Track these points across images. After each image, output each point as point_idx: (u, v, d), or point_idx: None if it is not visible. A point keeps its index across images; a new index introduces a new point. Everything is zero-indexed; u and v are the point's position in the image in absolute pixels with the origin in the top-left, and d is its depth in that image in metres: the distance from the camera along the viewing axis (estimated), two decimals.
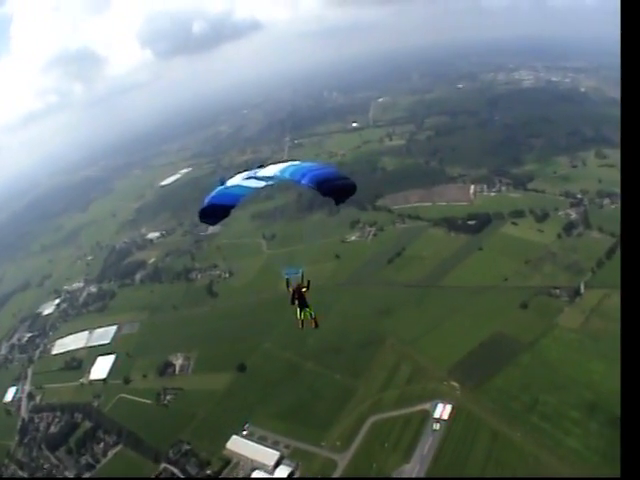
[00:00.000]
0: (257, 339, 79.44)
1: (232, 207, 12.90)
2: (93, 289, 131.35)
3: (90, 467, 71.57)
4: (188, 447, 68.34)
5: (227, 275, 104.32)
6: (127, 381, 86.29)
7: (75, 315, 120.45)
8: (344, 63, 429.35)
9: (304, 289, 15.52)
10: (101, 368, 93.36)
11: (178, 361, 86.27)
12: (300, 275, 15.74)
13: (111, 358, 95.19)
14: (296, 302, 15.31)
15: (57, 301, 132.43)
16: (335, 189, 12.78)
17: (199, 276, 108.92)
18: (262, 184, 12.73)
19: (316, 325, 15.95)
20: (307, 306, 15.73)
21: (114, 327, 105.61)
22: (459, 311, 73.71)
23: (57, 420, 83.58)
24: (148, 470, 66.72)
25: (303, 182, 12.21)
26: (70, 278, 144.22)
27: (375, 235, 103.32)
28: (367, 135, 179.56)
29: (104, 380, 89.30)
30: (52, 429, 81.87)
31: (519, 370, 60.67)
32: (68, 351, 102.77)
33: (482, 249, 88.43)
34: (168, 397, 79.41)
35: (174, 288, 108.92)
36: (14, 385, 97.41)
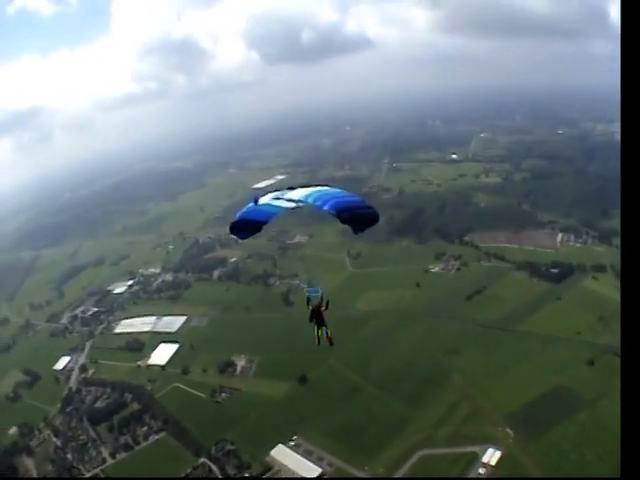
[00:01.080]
0: (324, 354, 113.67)
1: (264, 223, 23.01)
2: (169, 277, 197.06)
3: (128, 447, 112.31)
4: (232, 447, 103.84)
5: (305, 286, 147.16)
6: (186, 372, 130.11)
7: (146, 299, 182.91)
8: (449, 92, 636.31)
9: (323, 309, 27.37)
10: (162, 354, 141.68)
11: (241, 362, 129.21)
12: (320, 295, 27.60)
13: (174, 347, 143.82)
14: (314, 320, 27.43)
15: (130, 282, 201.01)
16: (354, 217, 21.93)
17: (278, 282, 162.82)
18: (292, 205, 22.29)
19: (331, 343, 28.26)
20: (325, 325, 27.74)
21: (183, 318, 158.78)
22: (527, 358, 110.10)
23: (105, 396, 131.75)
24: (186, 461, 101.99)
25: (325, 208, 20.94)
26: (147, 263, 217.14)
27: (458, 269, 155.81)
28: (464, 168, 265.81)
29: (162, 367, 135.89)
30: (98, 404, 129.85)
31: (575, 427, 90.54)
32: (132, 332, 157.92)
33: (560, 299, 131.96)
34: (223, 395, 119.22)
35: (250, 290, 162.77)
36: (68, 355, 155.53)
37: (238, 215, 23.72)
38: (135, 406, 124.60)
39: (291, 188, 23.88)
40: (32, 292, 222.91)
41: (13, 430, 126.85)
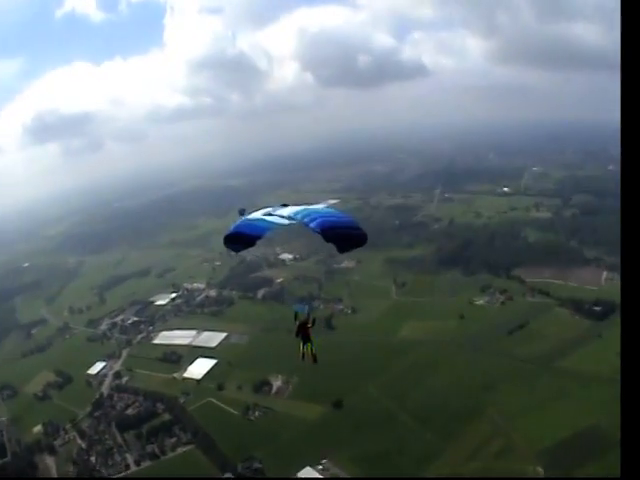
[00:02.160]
0: (362, 380, 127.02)
1: (258, 238, 25.56)
2: (213, 293, 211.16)
3: (154, 457, 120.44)
4: (259, 465, 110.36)
5: (349, 311, 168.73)
6: (221, 388, 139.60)
7: (188, 313, 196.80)
8: (503, 123, 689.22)
9: (309, 325, 30.33)
10: (199, 369, 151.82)
11: (277, 382, 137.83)
12: (306, 312, 30.92)
13: (212, 362, 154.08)
14: (300, 335, 30.49)
15: (173, 295, 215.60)
16: (338, 236, 24.03)
17: (321, 306, 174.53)
18: (286, 222, 24.55)
19: (314, 360, 30.89)
20: (310, 341, 30.74)
21: (223, 334, 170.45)
22: (564, 396, 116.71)
23: (137, 404, 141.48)
24: (211, 475, 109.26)
25: (311, 225, 23.04)
26: (193, 277, 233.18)
27: (503, 303, 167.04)
28: (515, 202, 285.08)
29: (198, 381, 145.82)
30: (129, 411, 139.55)
31: (602, 469, 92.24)
32: (170, 344, 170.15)
33: (601, 337, 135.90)
34: (257, 413, 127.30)
35: (292, 312, 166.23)
36: (104, 361, 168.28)
37: (232, 228, 26.62)
38: (166, 417, 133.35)
39: (284, 205, 26.55)
40: (73, 296, 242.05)
41: (38, 428, 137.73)
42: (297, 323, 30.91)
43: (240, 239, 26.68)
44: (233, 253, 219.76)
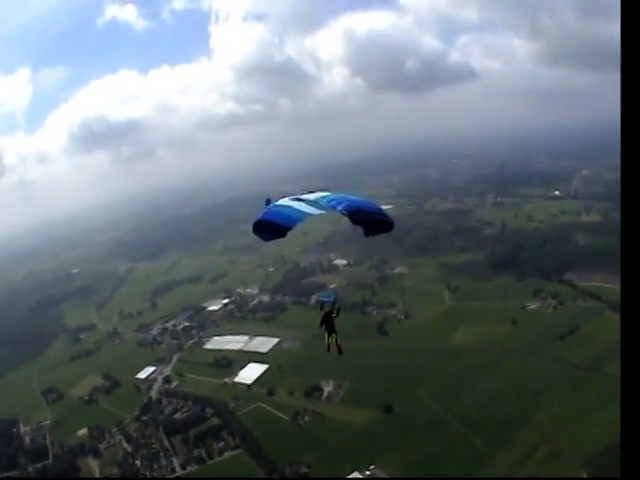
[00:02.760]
0: (413, 385, 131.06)
1: (289, 229, 25.98)
2: (266, 298, 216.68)
3: (201, 461, 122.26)
4: (306, 470, 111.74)
5: (402, 317, 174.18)
6: (271, 393, 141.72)
7: (240, 318, 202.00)
8: (553, 126, 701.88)
9: (334, 315, 30.39)
10: (250, 374, 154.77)
11: (328, 387, 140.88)
12: (332, 301, 30.89)
13: (263, 367, 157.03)
14: (324, 326, 31.00)
15: (226, 301, 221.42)
16: (366, 219, 25.00)
17: (375, 311, 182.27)
18: (315, 212, 25.55)
19: (339, 352, 31.48)
20: (335, 332, 30.94)
21: (276, 339, 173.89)
22: (614, 401, 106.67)
23: (185, 409, 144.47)
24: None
25: (338, 208, 23.87)
26: (246, 283, 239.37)
27: (555, 308, 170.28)
28: (566, 205, 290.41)
29: (249, 386, 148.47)
30: (177, 415, 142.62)
31: None
32: (222, 349, 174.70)
33: None
34: (306, 418, 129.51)
35: (347, 317, 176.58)
36: (153, 365, 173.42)
37: (261, 215, 26.51)
38: (215, 421, 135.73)
39: (310, 192, 27.10)
40: (123, 302, 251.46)
41: (83, 432, 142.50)
42: (322, 313, 31.02)
43: (270, 228, 26.98)
44: (288, 259, 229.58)
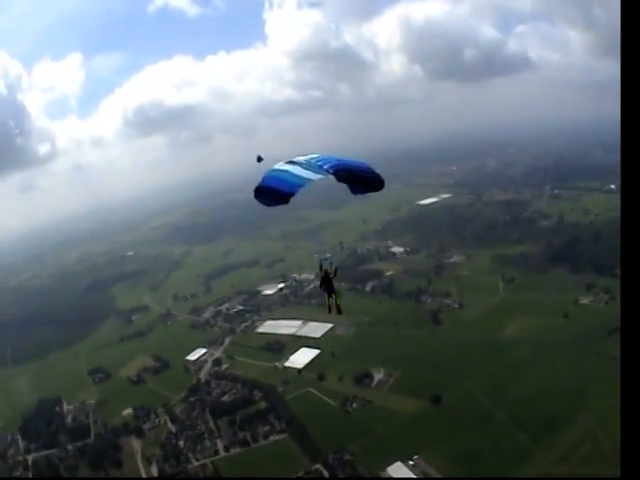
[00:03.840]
0: (463, 376, 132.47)
1: (291, 195, 26.69)
2: None
3: (245, 444, 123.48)
4: (350, 457, 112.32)
5: (456, 306, 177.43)
6: (321, 378, 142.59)
7: (295, 303, 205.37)
8: (610, 119, 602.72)
9: (331, 275, 31.94)
10: (301, 358, 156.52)
11: (378, 375, 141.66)
12: (329, 262, 32.63)
13: (315, 352, 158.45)
14: (324, 287, 32.37)
15: (281, 285, 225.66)
16: (352, 177, 25.93)
17: (429, 300, 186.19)
18: (316, 177, 25.88)
19: (339, 311, 33.11)
20: (334, 292, 32.54)
21: (329, 325, 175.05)
22: None
23: (234, 391, 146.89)
24: (300, 465, 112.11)
25: (324, 167, 25.18)
26: (302, 268, 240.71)
27: (606, 303, 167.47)
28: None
29: (299, 370, 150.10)
30: (225, 398, 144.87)
31: None
32: (274, 333, 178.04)
33: None
34: (354, 405, 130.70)
35: (401, 305, 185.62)
36: (204, 348, 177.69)
37: (263, 181, 27.21)
38: (262, 405, 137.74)
39: (301, 155, 27.71)
40: (178, 285, 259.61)
41: (128, 411, 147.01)
42: (321, 274, 32.39)
43: (273, 194, 27.60)
44: (345, 246, 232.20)
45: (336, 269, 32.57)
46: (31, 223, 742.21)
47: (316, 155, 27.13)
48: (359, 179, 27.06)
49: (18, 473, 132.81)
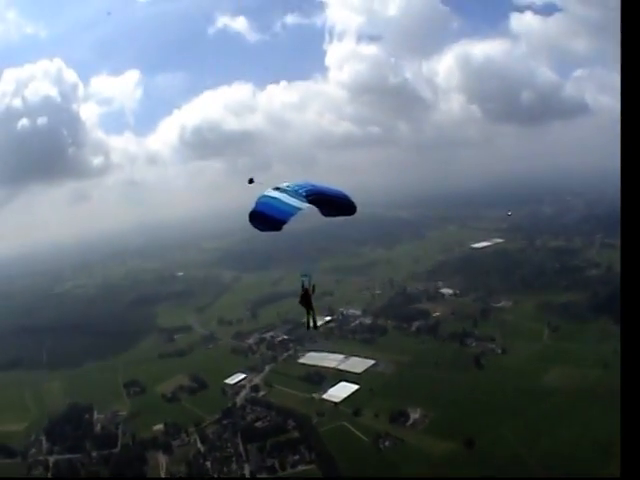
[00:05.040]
0: (498, 422, 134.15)
1: (284, 223, 29.08)
2: (367, 320, 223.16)
3: (272, 470, 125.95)
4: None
5: (499, 351, 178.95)
6: (357, 413, 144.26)
7: (339, 337, 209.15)
8: None
9: (311, 293, 35.33)
10: (339, 392, 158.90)
11: (415, 415, 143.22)
12: (308, 280, 35.48)
13: (353, 387, 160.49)
14: (304, 303, 35.98)
15: (327, 318, 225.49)
16: (322, 200, 29.26)
17: (473, 344, 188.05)
18: (304, 206, 28.51)
19: (315, 327, 38.05)
20: (312, 308, 36.18)
21: (371, 362, 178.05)
22: None
23: (268, 418, 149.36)
24: None
25: (300, 192, 28.17)
26: (350, 303, 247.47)
27: None
28: None
29: (335, 404, 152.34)
30: (258, 424, 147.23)
31: None
32: (315, 365, 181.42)
33: None
34: (386, 443, 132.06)
35: (445, 347, 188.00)
36: (244, 373, 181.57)
37: (258, 206, 29.27)
38: (294, 434, 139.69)
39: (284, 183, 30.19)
40: (224, 309, 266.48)
41: (158, 427, 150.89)
42: (301, 292, 35.54)
43: (267, 221, 29.91)
44: (395, 284, 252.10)
45: (314, 286, 35.91)
46: (81, 233, 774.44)
47: (296, 182, 30.06)
48: (329, 203, 30.44)
49: (37, 473, 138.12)
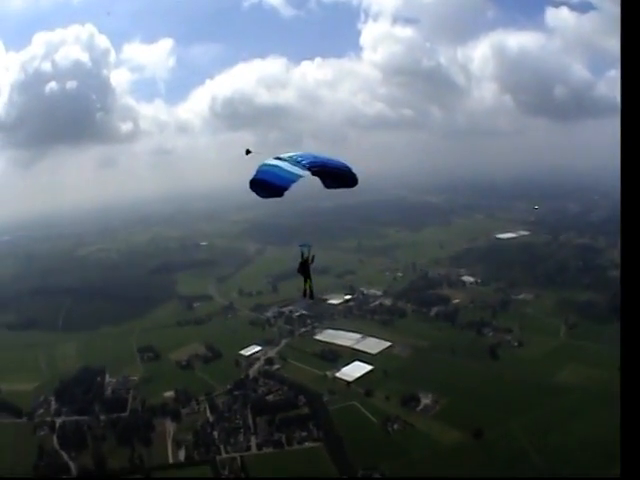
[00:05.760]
0: (508, 415, 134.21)
1: (285, 189, 29.94)
2: (387, 302, 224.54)
3: (278, 445, 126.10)
4: (379, 477, 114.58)
5: (516, 344, 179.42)
6: (368, 394, 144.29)
7: (358, 316, 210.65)
8: None
9: (310, 263, 35.96)
10: (352, 372, 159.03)
11: (426, 400, 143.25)
12: (308, 249, 35.91)
13: (367, 368, 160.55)
14: (302, 272, 36.66)
15: (347, 297, 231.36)
16: (324, 172, 30.01)
17: (490, 333, 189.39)
18: (305, 173, 29.29)
19: (311, 297, 37.99)
20: (309, 277, 36.74)
21: (387, 343, 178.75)
22: None
23: (279, 393, 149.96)
24: (327, 475, 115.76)
25: (302, 163, 28.93)
26: (371, 283, 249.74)
27: None
28: None
29: (348, 383, 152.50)
30: (269, 397, 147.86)
31: None
32: (331, 343, 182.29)
33: None
34: (395, 426, 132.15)
35: (462, 334, 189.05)
36: (260, 345, 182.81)
37: (258, 174, 30.20)
38: (304, 410, 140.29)
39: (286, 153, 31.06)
40: (246, 280, 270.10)
41: (169, 394, 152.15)
42: (300, 260, 36.23)
43: (268, 187, 30.74)
44: (418, 268, 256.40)
45: (313, 256, 36.35)
46: (107, 198, 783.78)
47: (298, 153, 30.68)
48: (331, 174, 31.00)
49: (42, 433, 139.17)
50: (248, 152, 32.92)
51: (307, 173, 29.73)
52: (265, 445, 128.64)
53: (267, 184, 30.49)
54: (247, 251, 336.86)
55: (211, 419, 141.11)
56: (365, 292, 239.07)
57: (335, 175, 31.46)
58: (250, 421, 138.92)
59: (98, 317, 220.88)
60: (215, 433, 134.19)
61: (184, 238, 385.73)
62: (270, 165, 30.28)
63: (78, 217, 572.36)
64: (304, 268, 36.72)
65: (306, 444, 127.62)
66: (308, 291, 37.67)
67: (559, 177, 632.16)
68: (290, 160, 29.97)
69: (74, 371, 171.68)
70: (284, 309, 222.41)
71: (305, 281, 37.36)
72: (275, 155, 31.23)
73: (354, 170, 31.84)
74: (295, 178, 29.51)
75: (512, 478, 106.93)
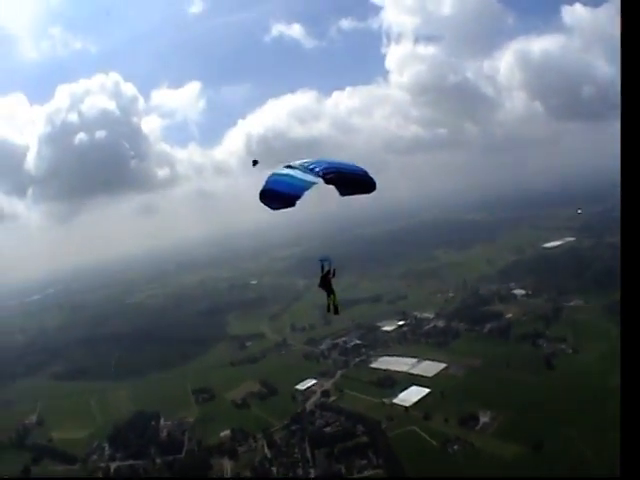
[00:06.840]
0: (567, 424, 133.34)
1: (297, 198, 28.58)
2: (441, 324, 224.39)
3: (337, 476, 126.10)
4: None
5: (570, 351, 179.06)
6: (427, 417, 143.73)
7: (412, 341, 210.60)
8: None
9: (330, 276, 35.25)
10: (410, 396, 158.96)
11: (484, 418, 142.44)
12: (328, 263, 35.30)
13: (424, 391, 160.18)
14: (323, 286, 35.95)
15: (400, 322, 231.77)
16: (338, 179, 27.69)
17: (545, 344, 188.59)
18: (317, 180, 27.71)
19: (336, 311, 36.17)
20: (333, 292, 35.81)
21: (443, 365, 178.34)
22: None
23: (337, 424, 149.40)
24: None
25: (315, 170, 27.32)
26: (423, 307, 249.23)
27: None
28: None
29: (406, 408, 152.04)
30: (327, 429, 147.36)
31: None
32: (387, 369, 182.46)
33: None
34: (455, 447, 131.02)
35: (516, 348, 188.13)
36: (315, 379, 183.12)
37: (268, 184, 29.12)
38: (363, 439, 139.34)
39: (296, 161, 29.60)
40: (297, 315, 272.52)
41: (225, 433, 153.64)
42: (321, 274, 35.51)
43: (279, 197, 29.50)
44: (468, 286, 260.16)
45: (334, 270, 35.67)
46: (152, 244, 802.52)
47: (309, 160, 29.14)
48: (346, 180, 28.71)
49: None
50: (255, 163, 32.75)
51: (320, 180, 28.17)
52: (325, 477, 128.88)
53: (278, 194, 29.42)
54: (296, 286, 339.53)
55: (269, 455, 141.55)
56: (418, 316, 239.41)
57: (350, 180, 29.28)
58: (309, 454, 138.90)
59: (150, 362, 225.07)
60: (273, 469, 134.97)
61: (232, 278, 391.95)
62: (280, 174, 29.28)
63: (126, 265, 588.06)
64: (325, 282, 36.00)
65: (366, 472, 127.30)
66: (332, 306, 36.71)
67: (599, 178, 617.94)
68: (301, 167, 28.74)
69: (127, 417, 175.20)
70: (338, 340, 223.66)
71: (328, 296, 36.51)
72: (286, 163, 30.09)
73: (370, 174, 29.97)
74: (308, 186, 28.38)
75: (512, 478, 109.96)
